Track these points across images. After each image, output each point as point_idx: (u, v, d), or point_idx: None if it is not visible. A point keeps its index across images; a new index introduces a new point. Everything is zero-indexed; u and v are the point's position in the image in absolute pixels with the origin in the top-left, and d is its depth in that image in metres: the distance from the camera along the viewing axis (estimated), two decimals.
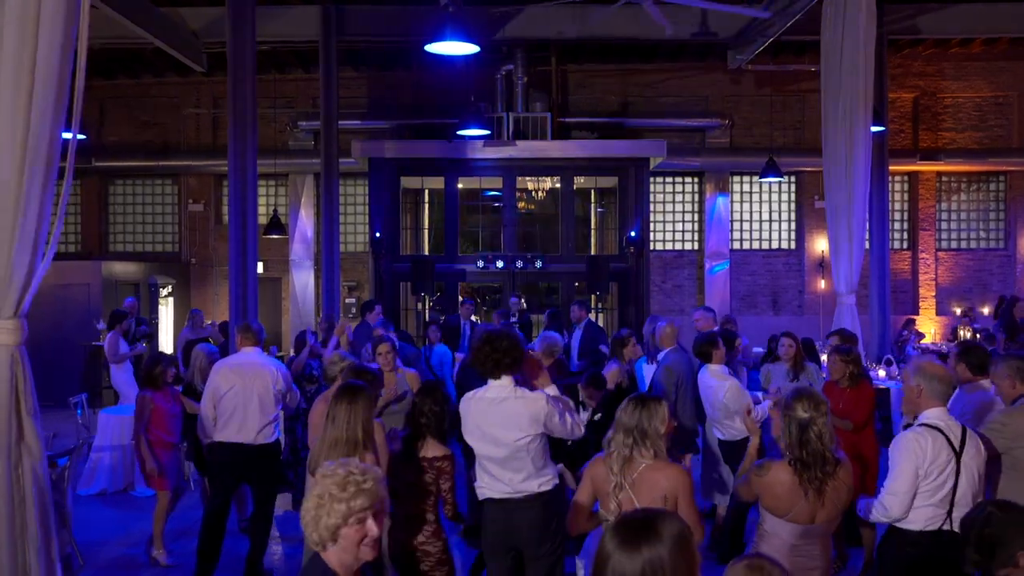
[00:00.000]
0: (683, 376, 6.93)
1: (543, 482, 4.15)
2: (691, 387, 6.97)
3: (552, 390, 4.33)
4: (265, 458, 5.99)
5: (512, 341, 4.11)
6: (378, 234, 13.82)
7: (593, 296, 14.20)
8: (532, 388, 4.24)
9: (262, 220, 15.80)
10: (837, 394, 5.81)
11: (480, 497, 4.28)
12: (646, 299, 14.33)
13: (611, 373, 5.81)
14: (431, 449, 4.22)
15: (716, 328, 8.39)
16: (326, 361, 6.02)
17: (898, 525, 3.77)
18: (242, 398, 5.90)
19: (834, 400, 5.80)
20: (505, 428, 4.05)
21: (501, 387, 4.11)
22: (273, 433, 6.04)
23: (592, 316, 13.59)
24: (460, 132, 11.24)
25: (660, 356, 7.19)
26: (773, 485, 3.51)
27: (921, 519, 3.68)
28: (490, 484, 4.19)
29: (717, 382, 6.10)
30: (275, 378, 6.01)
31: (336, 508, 2.39)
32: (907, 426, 3.95)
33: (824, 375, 6.88)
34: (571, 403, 4.30)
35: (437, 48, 6.52)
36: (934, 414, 3.75)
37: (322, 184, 12.85)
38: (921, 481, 3.64)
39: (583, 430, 4.28)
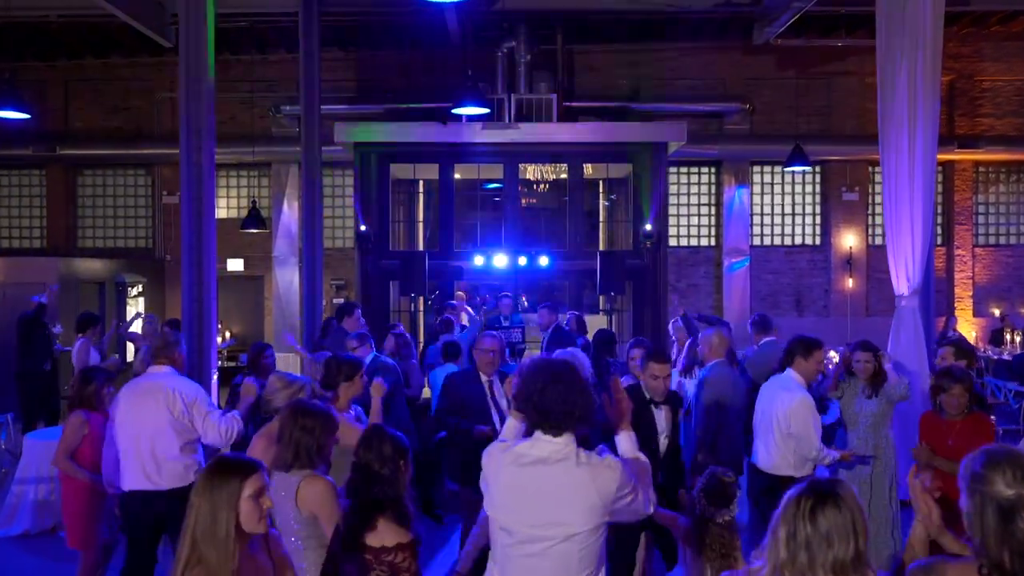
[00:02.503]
0: (727, 396, 5.69)
1: None
2: (739, 409, 5.74)
3: (629, 442, 2.90)
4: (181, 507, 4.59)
5: (585, 383, 2.73)
6: (363, 227, 12.47)
7: (601, 298, 12.91)
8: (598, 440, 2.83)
9: (242, 213, 14.56)
10: (944, 428, 4.50)
11: None
12: (664, 299, 13.00)
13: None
14: (380, 535, 2.82)
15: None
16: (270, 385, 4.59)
17: None
18: (134, 431, 4.67)
19: (941, 435, 4.51)
20: (554, 506, 2.68)
21: (557, 445, 2.71)
22: (190, 472, 4.65)
23: (604, 320, 12.32)
24: (455, 111, 9.88)
25: (702, 370, 6.00)
26: None
27: None
28: None
29: (784, 391, 4.90)
30: (171, 399, 4.66)
31: None
32: None
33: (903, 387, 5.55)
34: (648, 465, 2.89)
35: None
36: None
37: (303, 172, 11.52)
38: None
39: (652, 509, 2.87)
